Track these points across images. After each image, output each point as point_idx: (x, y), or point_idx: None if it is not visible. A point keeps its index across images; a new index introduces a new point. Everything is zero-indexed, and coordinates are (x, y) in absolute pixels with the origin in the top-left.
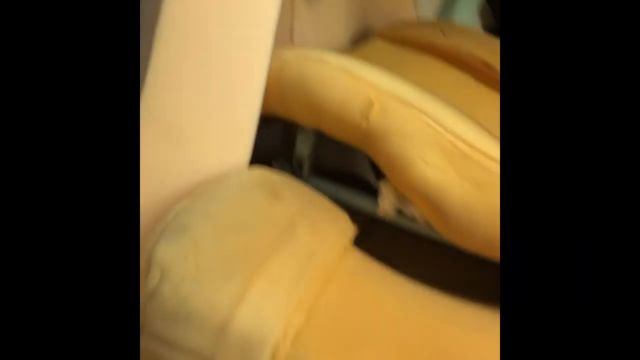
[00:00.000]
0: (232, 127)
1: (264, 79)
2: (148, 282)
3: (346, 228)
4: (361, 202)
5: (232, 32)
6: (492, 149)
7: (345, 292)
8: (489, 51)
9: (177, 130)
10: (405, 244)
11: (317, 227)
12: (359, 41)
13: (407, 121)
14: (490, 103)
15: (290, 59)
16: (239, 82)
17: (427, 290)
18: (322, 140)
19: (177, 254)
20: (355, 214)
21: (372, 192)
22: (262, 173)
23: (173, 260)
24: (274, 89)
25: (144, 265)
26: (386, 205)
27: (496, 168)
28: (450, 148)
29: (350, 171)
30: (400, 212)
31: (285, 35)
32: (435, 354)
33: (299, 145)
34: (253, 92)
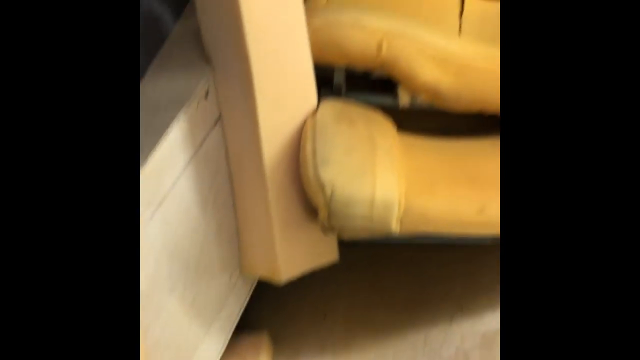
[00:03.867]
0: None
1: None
2: (325, 192)
3: (390, 122)
4: (385, 100)
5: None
6: (459, 48)
7: (413, 157)
8: None
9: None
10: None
11: (382, 130)
12: None
13: (405, 48)
14: None
15: (318, 27)
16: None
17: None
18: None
19: (333, 174)
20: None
21: (392, 93)
22: (333, 108)
23: (333, 177)
24: (312, 49)
25: (314, 182)
26: (404, 100)
27: (465, 61)
28: (435, 57)
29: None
30: (412, 100)
31: None
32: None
33: (336, 77)
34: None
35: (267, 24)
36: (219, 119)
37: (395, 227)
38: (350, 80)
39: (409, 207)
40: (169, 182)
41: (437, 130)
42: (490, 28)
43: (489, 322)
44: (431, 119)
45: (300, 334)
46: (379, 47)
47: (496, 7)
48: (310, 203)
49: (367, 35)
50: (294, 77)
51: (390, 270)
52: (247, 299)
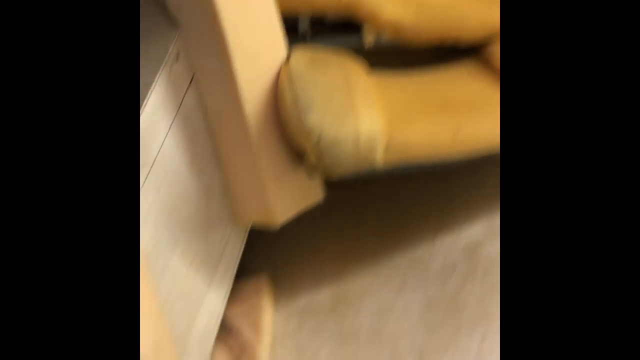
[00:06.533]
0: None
1: None
2: (312, 136)
3: (360, 62)
4: (350, 41)
5: None
6: None
7: (388, 92)
8: None
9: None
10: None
11: (354, 71)
12: None
13: None
14: None
15: None
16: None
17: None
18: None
19: (318, 119)
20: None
21: (356, 34)
22: (304, 55)
23: (318, 122)
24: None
25: (300, 129)
26: (369, 39)
27: None
28: None
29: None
30: (376, 39)
31: None
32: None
33: (301, 25)
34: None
35: None
36: (193, 79)
37: (379, 159)
38: (314, 26)
39: (391, 138)
40: (155, 147)
41: (401, 67)
42: None
43: (469, 235)
44: (394, 57)
45: (296, 272)
46: None
47: None
48: (293, 148)
49: None
50: (264, 29)
51: (371, 205)
52: (242, 248)
